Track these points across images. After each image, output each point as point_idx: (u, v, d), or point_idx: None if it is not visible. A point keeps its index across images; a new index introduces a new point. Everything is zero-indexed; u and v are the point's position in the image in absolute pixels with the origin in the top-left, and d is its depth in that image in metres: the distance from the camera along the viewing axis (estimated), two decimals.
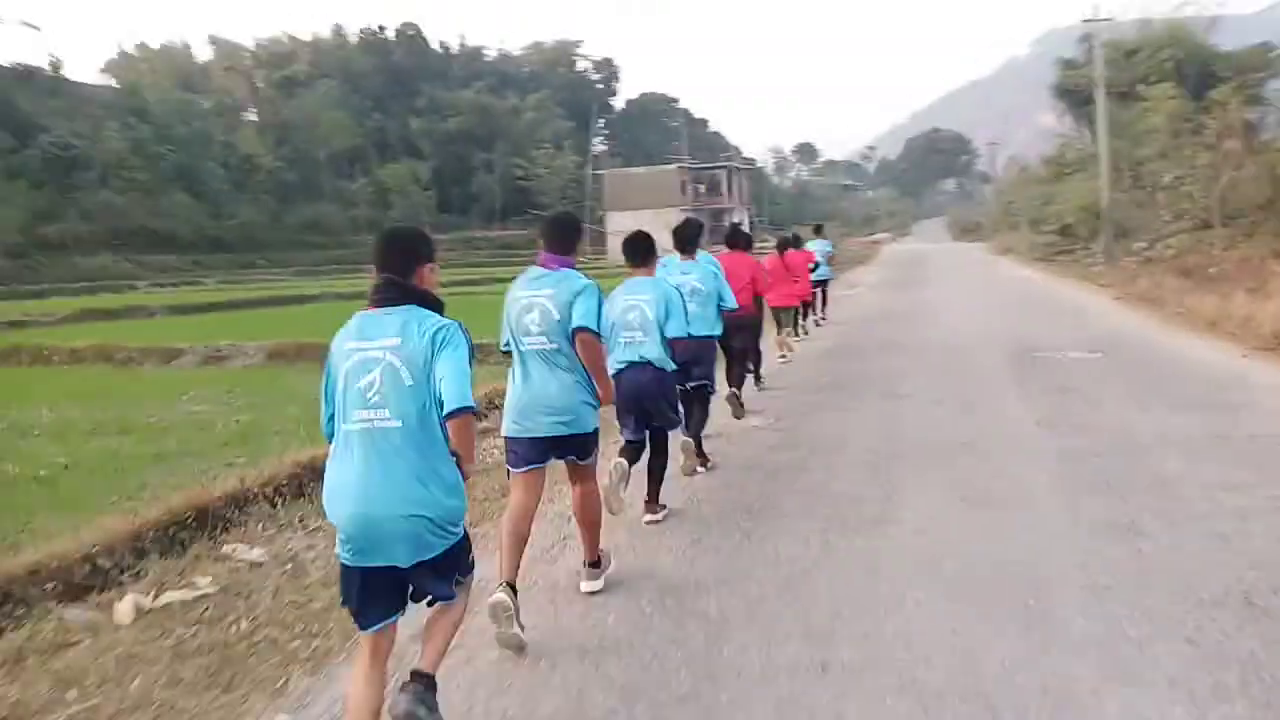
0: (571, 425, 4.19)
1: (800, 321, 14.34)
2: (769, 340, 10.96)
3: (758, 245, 15.20)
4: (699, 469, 6.58)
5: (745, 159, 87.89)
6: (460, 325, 3.02)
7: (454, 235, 68.66)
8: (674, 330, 5.23)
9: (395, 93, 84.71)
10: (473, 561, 3.20)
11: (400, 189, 70.91)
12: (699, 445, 6.65)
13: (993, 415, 8.13)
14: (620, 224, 53.61)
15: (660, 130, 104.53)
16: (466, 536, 3.09)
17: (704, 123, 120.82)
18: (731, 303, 6.83)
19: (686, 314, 5.43)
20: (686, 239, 6.82)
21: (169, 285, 39.62)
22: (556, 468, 4.39)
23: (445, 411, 2.89)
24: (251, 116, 74.77)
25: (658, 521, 5.47)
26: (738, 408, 8.28)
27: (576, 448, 4.26)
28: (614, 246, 54.08)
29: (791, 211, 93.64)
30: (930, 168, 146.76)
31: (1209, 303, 13.45)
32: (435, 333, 2.93)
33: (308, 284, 36.51)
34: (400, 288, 3.01)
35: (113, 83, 73.37)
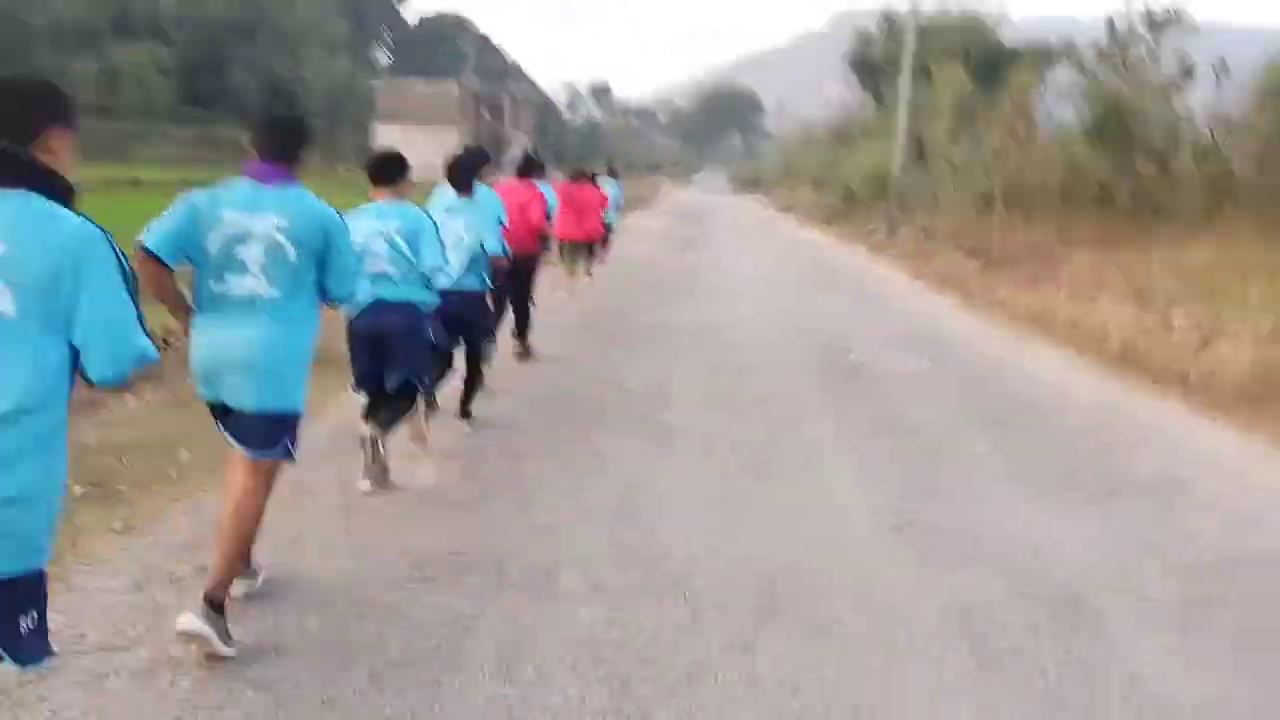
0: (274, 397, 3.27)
1: (587, 263, 13.03)
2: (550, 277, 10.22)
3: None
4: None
5: (532, 85, 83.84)
6: (107, 236, 2.07)
7: (196, 129, 60.95)
8: (429, 260, 4.63)
9: None
10: None
11: (136, 74, 61.70)
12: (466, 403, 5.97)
13: (809, 498, 5.00)
14: (389, 138, 48.83)
15: (452, 53, 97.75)
16: None
17: (500, 51, 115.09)
18: (493, 245, 5.75)
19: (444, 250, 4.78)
20: (463, 172, 5.72)
21: None
22: None
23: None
24: None
25: None
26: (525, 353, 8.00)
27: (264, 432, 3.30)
28: None
29: (580, 149, 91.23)
30: (719, 121, 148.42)
31: (1024, 297, 12.13)
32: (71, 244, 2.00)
33: None
34: (11, 160, 2.00)
35: None
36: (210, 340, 3.18)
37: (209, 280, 3.15)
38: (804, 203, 36.68)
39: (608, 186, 14.52)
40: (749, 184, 70.26)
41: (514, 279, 7.13)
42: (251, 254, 3.12)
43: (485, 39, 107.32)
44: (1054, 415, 7.00)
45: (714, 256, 18.50)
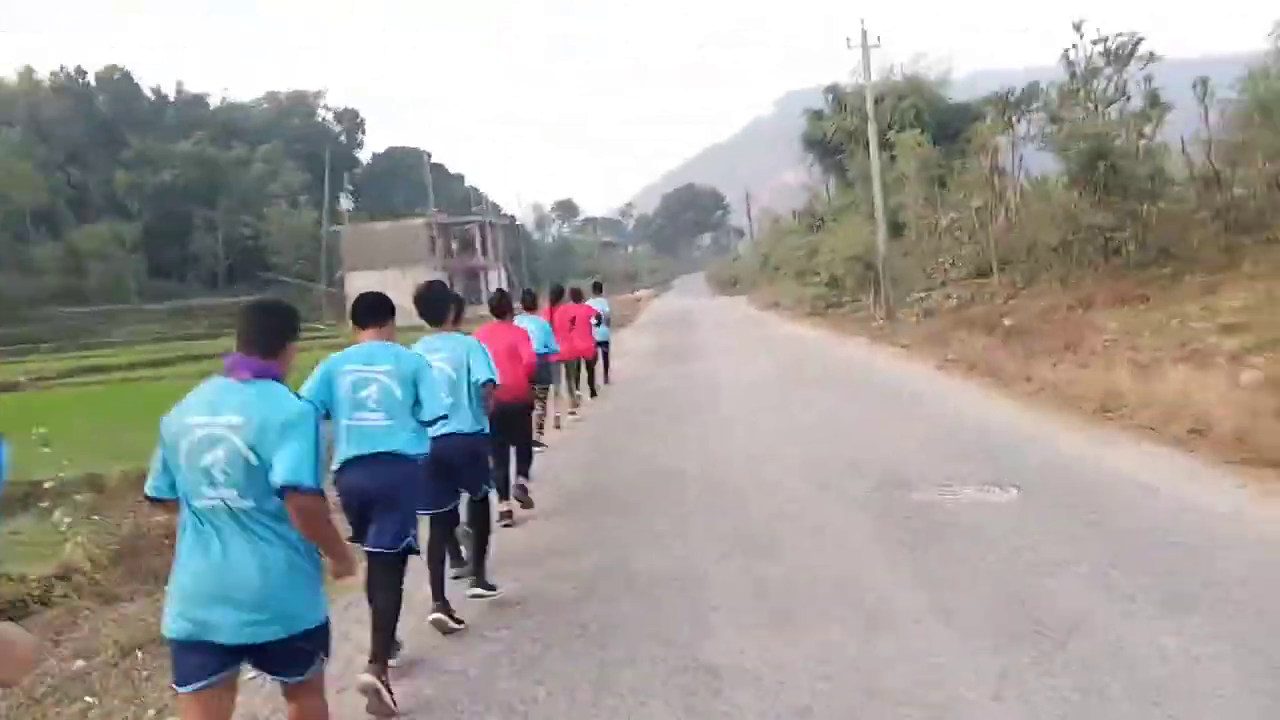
0: (279, 623, 2.88)
1: (586, 383, 13.51)
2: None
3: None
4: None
5: (501, 213, 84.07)
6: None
7: (169, 304, 60.11)
8: (430, 408, 4.32)
9: (98, 143, 74.26)
10: None
11: (99, 253, 61.14)
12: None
13: None
14: (363, 285, 47.71)
15: (411, 186, 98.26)
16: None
17: (459, 178, 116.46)
18: (483, 374, 5.29)
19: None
20: (431, 304, 5.26)
21: None
22: None
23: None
24: None
25: None
26: (526, 500, 7.40)
27: (288, 658, 2.94)
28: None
29: (553, 268, 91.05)
30: (686, 223, 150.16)
31: (1067, 373, 10.66)
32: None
33: None
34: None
35: None
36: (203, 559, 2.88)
37: (189, 500, 2.91)
38: (788, 297, 35.52)
39: (596, 304, 14.66)
40: (727, 284, 69.48)
41: (507, 425, 6.62)
42: (215, 459, 2.86)
43: (441, 167, 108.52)
44: (1254, 578, 4.68)
45: (711, 369, 16.79)
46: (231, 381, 2.95)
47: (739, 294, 58.28)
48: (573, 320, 12.17)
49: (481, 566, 5.37)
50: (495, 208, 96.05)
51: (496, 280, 59.77)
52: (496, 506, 6.45)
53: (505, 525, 6.75)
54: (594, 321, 13.33)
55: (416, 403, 4.25)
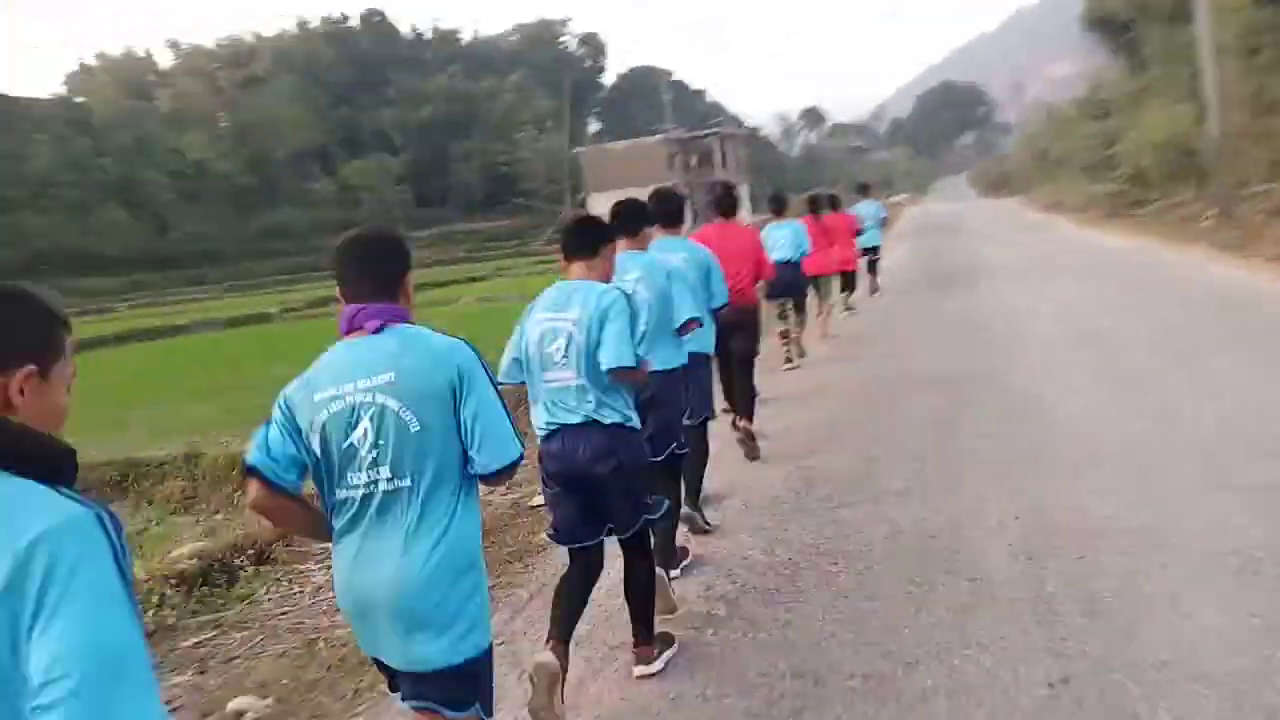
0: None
1: (845, 295, 12.76)
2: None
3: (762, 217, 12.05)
4: (674, 574, 4.31)
5: (740, 124, 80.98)
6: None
7: (434, 230, 63.01)
8: (613, 358, 3.31)
9: (363, 84, 78.87)
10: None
11: (370, 186, 65.08)
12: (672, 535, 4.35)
13: None
14: (604, 207, 47.36)
15: (655, 106, 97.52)
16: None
17: (701, 94, 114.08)
18: (721, 298, 4.78)
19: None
20: (625, 218, 4.19)
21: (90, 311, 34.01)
22: None
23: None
24: (211, 121, 69.05)
25: (651, 675, 3.47)
26: (751, 446, 6.24)
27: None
28: None
29: (800, 179, 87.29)
30: (945, 123, 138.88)
31: None
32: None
33: (260, 298, 32.31)
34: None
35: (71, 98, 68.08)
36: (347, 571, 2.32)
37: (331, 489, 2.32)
38: (1074, 196, 30.33)
39: (863, 208, 14.31)
40: (996, 185, 62.60)
41: (739, 331, 5.91)
42: (360, 437, 2.24)
43: (683, 84, 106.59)
44: None
45: (994, 305, 12.08)
46: (357, 339, 2.32)
47: (1009, 196, 52.22)
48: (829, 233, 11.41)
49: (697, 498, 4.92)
50: (736, 120, 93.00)
51: (738, 194, 57.59)
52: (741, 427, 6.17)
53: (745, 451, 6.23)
54: (857, 231, 12.93)
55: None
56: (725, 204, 6.41)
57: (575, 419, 3.33)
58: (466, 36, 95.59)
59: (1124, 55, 37.73)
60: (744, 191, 60.39)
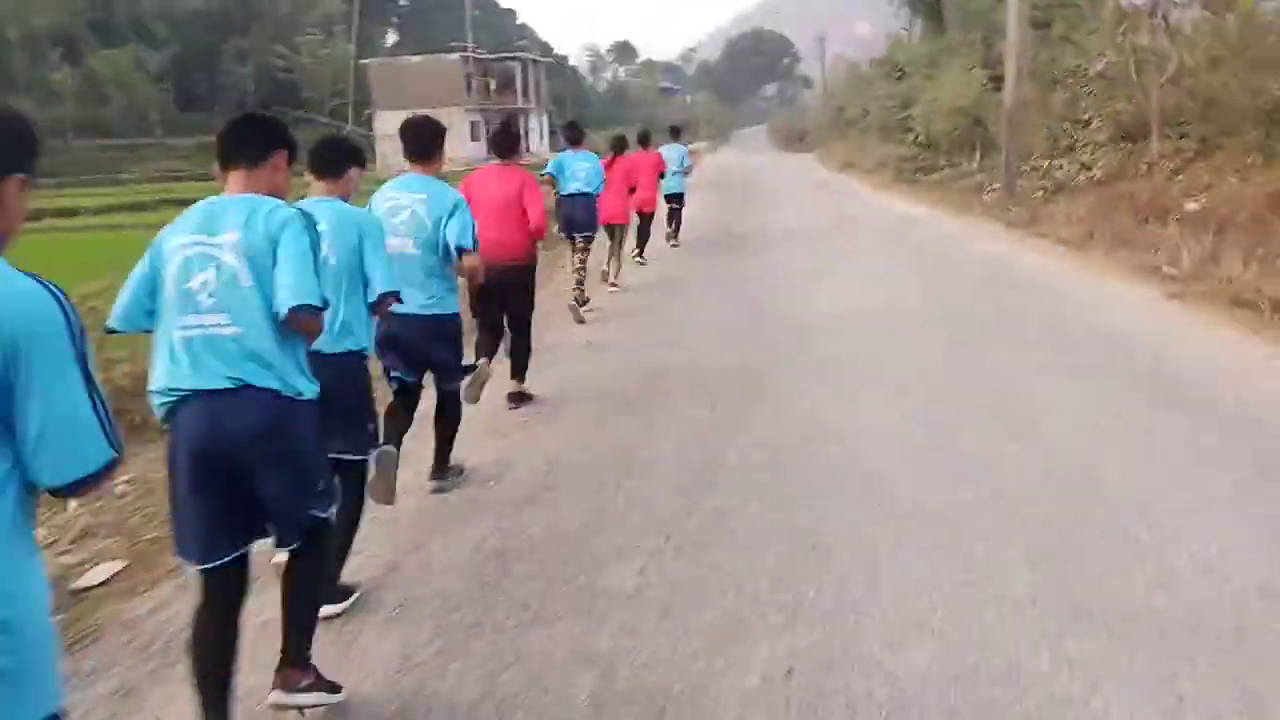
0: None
1: (636, 248, 12.20)
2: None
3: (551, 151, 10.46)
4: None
5: (546, 51, 77.78)
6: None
7: (196, 140, 56.43)
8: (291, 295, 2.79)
9: None
10: None
11: (122, 81, 57.28)
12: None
13: None
14: (392, 126, 43.61)
15: (459, 22, 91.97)
16: None
17: (511, 14, 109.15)
18: (460, 239, 4.42)
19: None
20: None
21: None
22: None
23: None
24: None
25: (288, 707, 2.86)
26: (521, 401, 6.27)
27: None
28: (386, 152, 44.34)
29: (605, 115, 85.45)
30: (751, 71, 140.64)
31: None
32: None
33: None
34: None
35: None
36: None
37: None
38: (867, 157, 30.24)
39: (669, 151, 13.68)
40: (794, 139, 62.95)
41: (500, 294, 5.75)
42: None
43: (494, 3, 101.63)
44: None
45: (785, 278, 10.81)
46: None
47: (806, 151, 52.59)
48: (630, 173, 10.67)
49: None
50: (546, 47, 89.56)
51: (538, 125, 54.92)
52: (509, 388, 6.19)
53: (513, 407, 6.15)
54: (661, 175, 12.34)
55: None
56: (502, 144, 5.96)
57: (220, 382, 2.63)
58: None
59: (926, 18, 38.35)
60: (542, 122, 57.84)
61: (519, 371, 6.23)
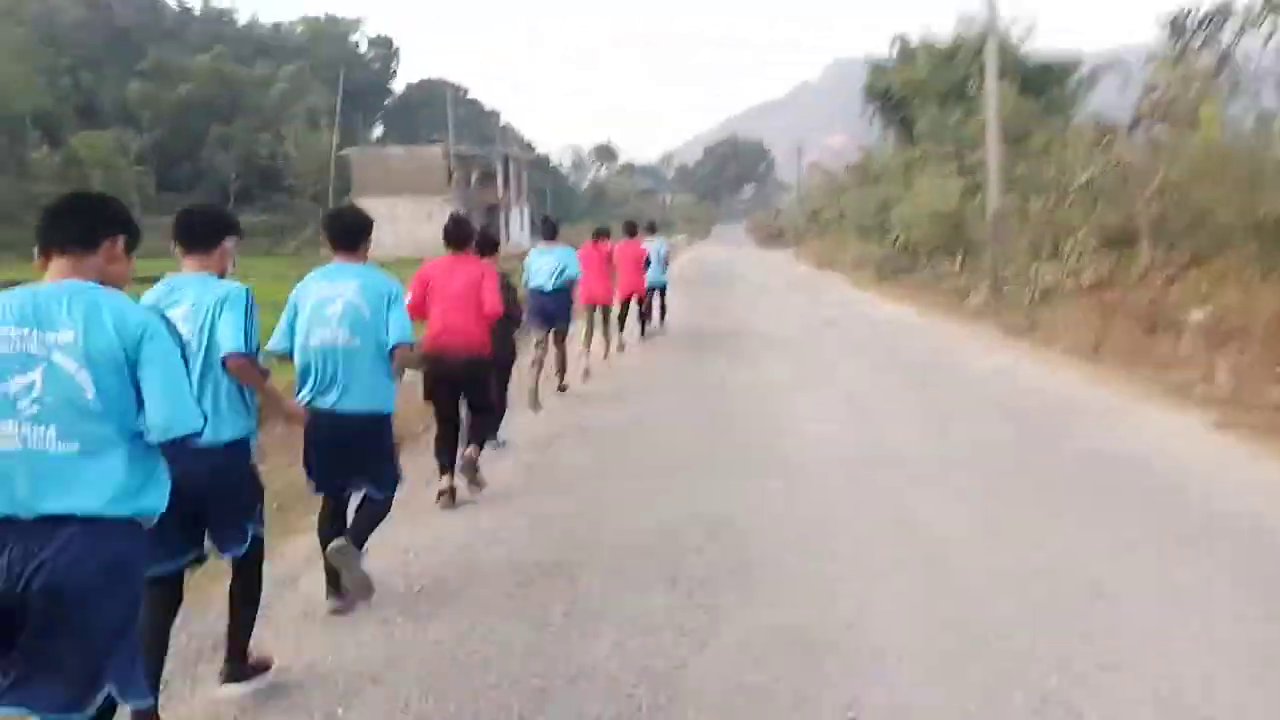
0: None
1: (638, 324, 13.14)
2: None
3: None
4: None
5: (531, 149, 79.10)
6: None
7: (170, 218, 56.06)
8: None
9: (114, 52, 70.53)
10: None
11: (102, 161, 57.27)
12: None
13: None
14: (374, 212, 43.56)
15: (442, 120, 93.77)
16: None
17: (495, 115, 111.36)
18: (400, 335, 4.25)
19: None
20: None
21: None
22: None
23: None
24: None
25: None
26: (474, 478, 6.03)
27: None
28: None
29: (587, 212, 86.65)
30: (729, 174, 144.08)
31: None
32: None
33: None
34: None
35: None
36: None
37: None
38: (846, 256, 30.39)
39: (650, 244, 13.87)
40: (772, 237, 64.10)
41: (461, 386, 5.81)
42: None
43: (475, 103, 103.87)
44: None
45: (766, 384, 10.12)
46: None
47: (783, 247, 53.35)
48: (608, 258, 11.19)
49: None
50: (529, 146, 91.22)
51: (519, 217, 55.26)
52: (435, 484, 5.82)
53: (443, 505, 5.71)
54: (645, 264, 12.68)
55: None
56: (453, 236, 5.96)
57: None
58: (242, 19, 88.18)
59: (897, 129, 39.54)
60: (524, 215, 58.28)
61: (479, 438, 6.09)
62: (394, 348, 4.18)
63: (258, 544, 3.41)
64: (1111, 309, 13.11)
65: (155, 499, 2.41)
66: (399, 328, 4.19)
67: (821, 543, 5.10)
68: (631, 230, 13.13)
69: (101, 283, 2.43)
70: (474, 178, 52.36)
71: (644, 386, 10.31)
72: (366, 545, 4.28)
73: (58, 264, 2.43)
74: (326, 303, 4.18)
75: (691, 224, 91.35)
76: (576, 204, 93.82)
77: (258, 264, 33.06)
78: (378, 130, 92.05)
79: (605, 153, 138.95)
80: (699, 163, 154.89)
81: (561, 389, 9.59)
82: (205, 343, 3.22)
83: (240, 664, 3.45)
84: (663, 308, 14.66)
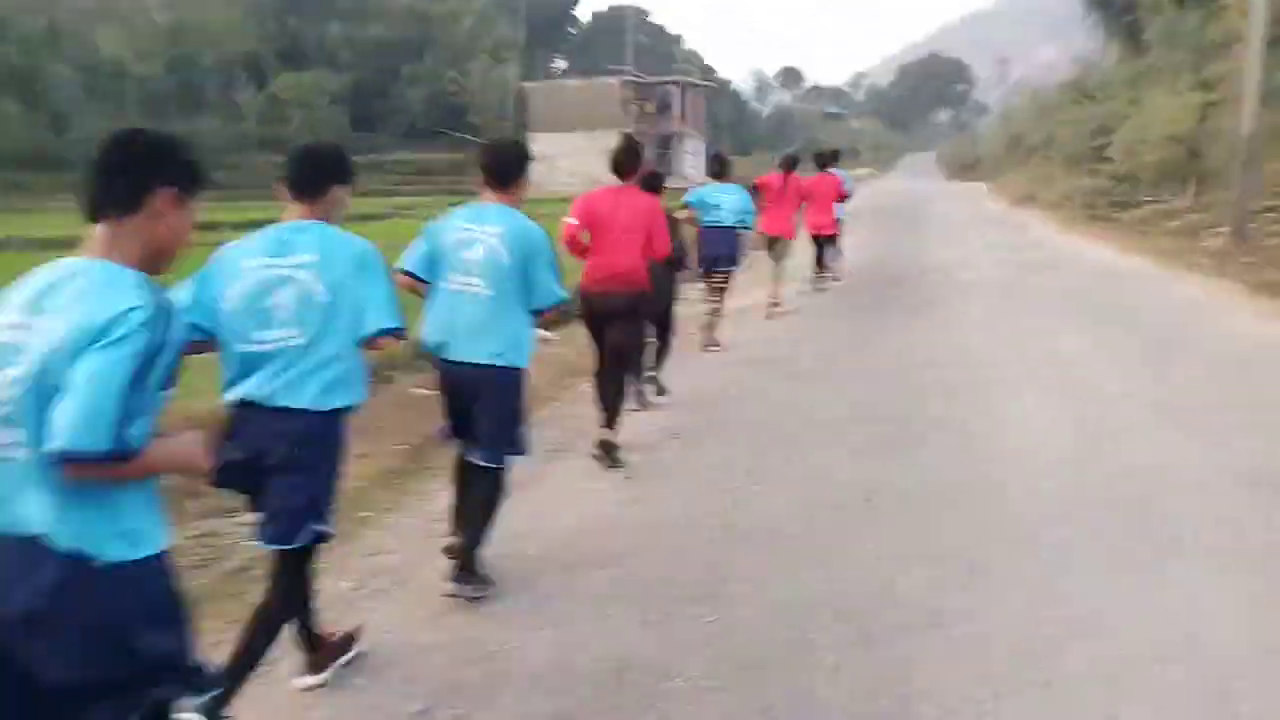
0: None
1: (822, 263, 12.18)
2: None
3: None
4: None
5: (709, 75, 76.67)
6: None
7: (366, 158, 58.45)
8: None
9: None
10: None
11: (304, 102, 60.09)
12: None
13: None
14: (549, 147, 43.59)
15: (633, 48, 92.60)
16: None
17: (678, 40, 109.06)
18: (552, 296, 3.88)
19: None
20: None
21: None
22: None
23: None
24: (134, 16, 63.17)
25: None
26: (610, 459, 5.39)
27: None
28: (541, 174, 44.11)
29: (768, 139, 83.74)
30: (924, 97, 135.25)
31: None
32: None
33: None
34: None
35: None
36: None
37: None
38: (1049, 189, 26.95)
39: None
40: (965, 168, 58.95)
41: (617, 319, 5.41)
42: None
43: (659, 29, 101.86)
44: None
45: (959, 352, 8.26)
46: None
47: (977, 179, 48.91)
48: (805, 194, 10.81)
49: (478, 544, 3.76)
50: (709, 71, 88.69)
51: (693, 148, 53.66)
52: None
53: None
54: (841, 199, 11.96)
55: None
56: (622, 163, 5.47)
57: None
58: None
59: (1121, 39, 34.88)
60: (698, 146, 56.54)
61: (610, 419, 5.49)
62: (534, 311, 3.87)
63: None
64: None
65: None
66: (545, 291, 3.82)
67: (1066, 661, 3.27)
68: (823, 161, 12.11)
69: (144, 251, 2.14)
70: (650, 108, 51.11)
71: (801, 356, 8.74)
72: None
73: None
74: (464, 245, 3.78)
75: (878, 151, 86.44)
76: (758, 131, 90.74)
77: (433, 201, 33.48)
78: (561, 63, 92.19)
79: (791, 75, 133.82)
80: (892, 84, 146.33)
81: (711, 346, 8.71)
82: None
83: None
84: (837, 252, 13.40)
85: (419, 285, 3.78)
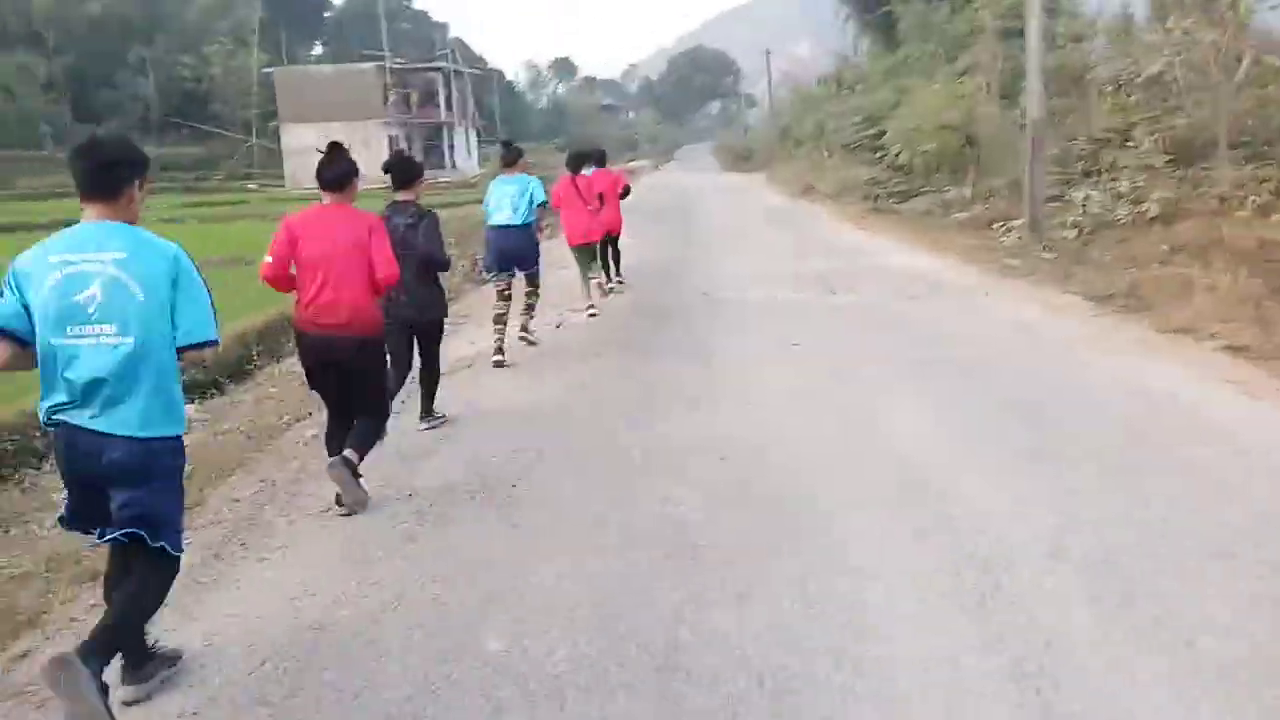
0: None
1: (609, 267, 11.40)
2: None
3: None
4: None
5: (478, 64, 73.59)
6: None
7: None
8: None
9: None
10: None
11: (6, 89, 51.96)
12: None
13: None
14: (301, 139, 39.47)
15: (391, 34, 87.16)
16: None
17: (443, 28, 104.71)
18: (201, 334, 3.19)
19: None
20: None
21: None
22: None
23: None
24: None
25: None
26: (353, 490, 4.75)
27: None
28: (295, 169, 39.90)
29: (543, 132, 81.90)
30: (694, 89, 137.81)
31: None
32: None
33: None
34: None
35: None
36: None
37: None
38: (830, 180, 26.44)
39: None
40: (739, 159, 59.31)
41: (339, 380, 4.81)
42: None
43: (422, 15, 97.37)
44: None
45: (758, 394, 6.59)
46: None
47: (753, 170, 49.06)
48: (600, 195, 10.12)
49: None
50: (480, 60, 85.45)
51: (464, 140, 50.72)
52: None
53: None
54: (621, 192, 11.43)
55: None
56: (331, 178, 4.71)
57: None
58: None
59: (874, 32, 35.75)
60: (469, 138, 53.60)
61: (360, 446, 4.81)
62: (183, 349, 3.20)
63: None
64: (1203, 252, 9.75)
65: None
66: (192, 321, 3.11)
67: None
68: (600, 159, 11.37)
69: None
70: (413, 98, 47.61)
71: (568, 401, 6.76)
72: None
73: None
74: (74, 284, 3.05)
75: (655, 143, 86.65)
76: (533, 123, 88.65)
77: (176, 200, 28.99)
78: (318, 49, 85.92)
79: (564, 66, 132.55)
80: (662, 76, 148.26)
81: (525, 338, 8.41)
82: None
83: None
84: (616, 254, 12.08)
85: (20, 349, 2.98)
